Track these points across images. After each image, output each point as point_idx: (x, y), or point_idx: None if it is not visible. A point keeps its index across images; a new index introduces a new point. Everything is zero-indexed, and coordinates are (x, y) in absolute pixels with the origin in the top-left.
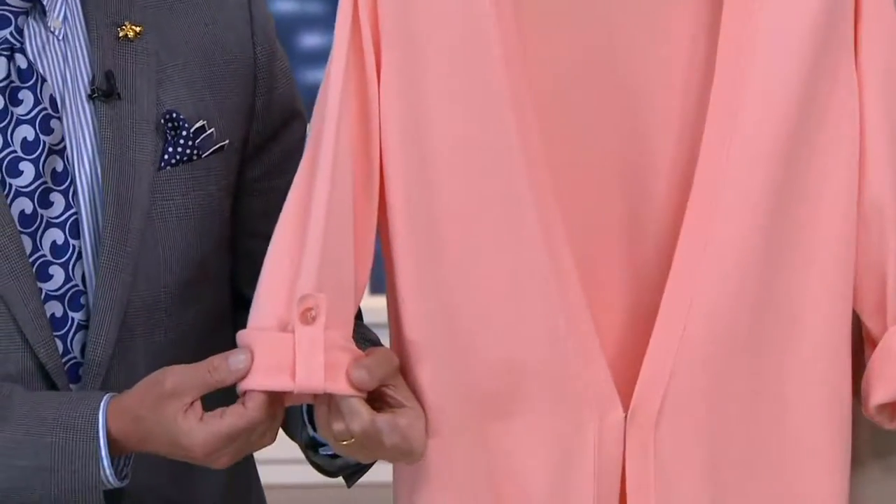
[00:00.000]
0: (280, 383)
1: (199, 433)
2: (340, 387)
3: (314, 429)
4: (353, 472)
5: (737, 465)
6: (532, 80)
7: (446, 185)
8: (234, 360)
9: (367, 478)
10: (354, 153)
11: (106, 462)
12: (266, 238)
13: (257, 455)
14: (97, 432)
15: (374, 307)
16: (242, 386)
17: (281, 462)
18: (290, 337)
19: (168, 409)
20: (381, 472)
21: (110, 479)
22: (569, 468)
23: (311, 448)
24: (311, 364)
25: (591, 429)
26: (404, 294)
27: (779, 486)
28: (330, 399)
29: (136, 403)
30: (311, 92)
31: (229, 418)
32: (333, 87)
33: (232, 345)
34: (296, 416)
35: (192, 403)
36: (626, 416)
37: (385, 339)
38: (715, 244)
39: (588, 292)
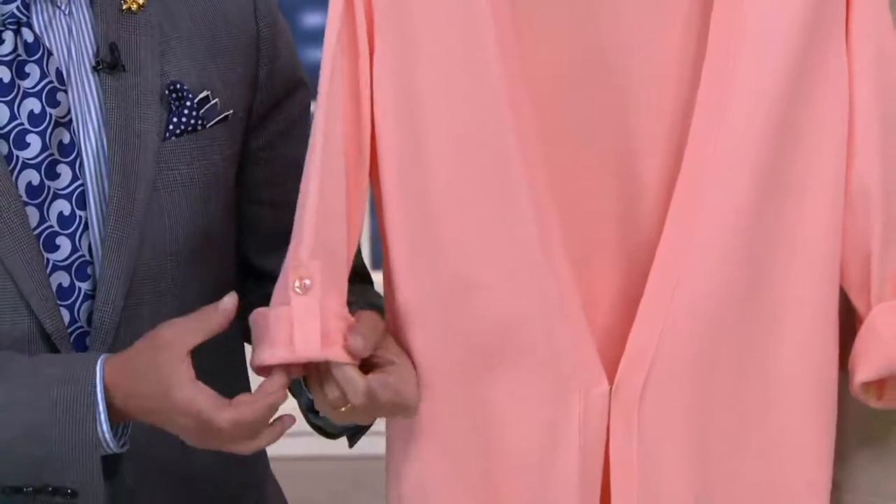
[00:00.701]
0: (281, 355)
1: (187, 390)
2: (336, 353)
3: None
4: (354, 433)
5: (721, 445)
6: (526, 73)
7: (440, 167)
8: (221, 304)
9: (372, 449)
10: (346, 127)
11: (103, 417)
12: (270, 205)
13: None
14: (94, 386)
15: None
16: (252, 364)
17: (286, 434)
18: (288, 309)
19: (161, 358)
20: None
21: (107, 435)
22: (555, 439)
23: (312, 411)
24: (308, 333)
25: (577, 402)
26: (398, 267)
27: (763, 469)
28: (319, 370)
29: (134, 354)
30: (314, 70)
31: (214, 403)
32: (325, 65)
33: (237, 314)
34: (295, 381)
35: (187, 356)
36: (611, 391)
37: None
38: (702, 229)
39: (578, 272)
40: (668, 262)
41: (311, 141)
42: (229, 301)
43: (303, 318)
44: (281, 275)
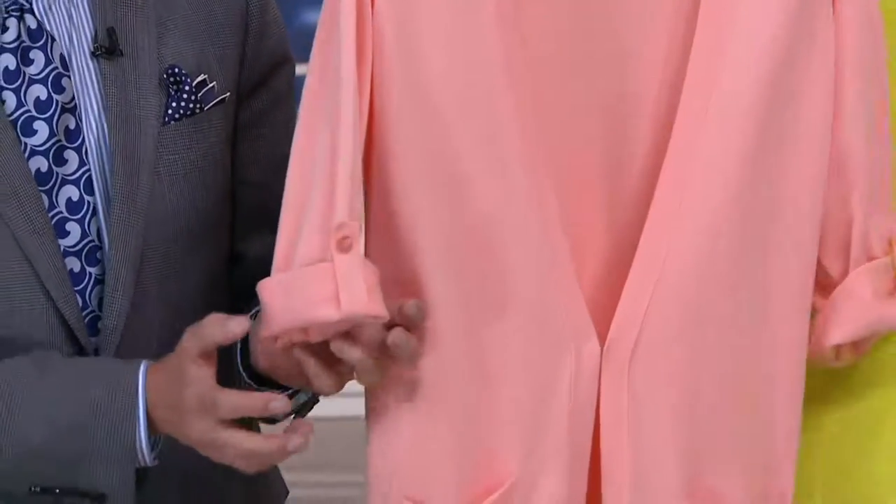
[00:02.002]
0: (325, 313)
1: (195, 376)
2: (379, 309)
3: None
4: (297, 415)
5: (710, 404)
6: (522, 27)
7: (436, 118)
8: (232, 324)
9: (339, 411)
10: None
11: (142, 424)
12: (253, 185)
13: None
14: (136, 393)
15: None
16: (284, 324)
17: None
18: (330, 266)
19: (178, 361)
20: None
21: (144, 444)
22: (546, 399)
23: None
24: (354, 289)
25: (568, 362)
26: (402, 224)
27: (750, 426)
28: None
29: (165, 361)
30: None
31: (213, 384)
32: (345, 19)
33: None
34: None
35: (198, 357)
36: (602, 351)
37: None
38: (693, 188)
39: (570, 231)
40: (659, 225)
41: (338, 101)
42: (239, 326)
43: (347, 275)
44: (304, 238)
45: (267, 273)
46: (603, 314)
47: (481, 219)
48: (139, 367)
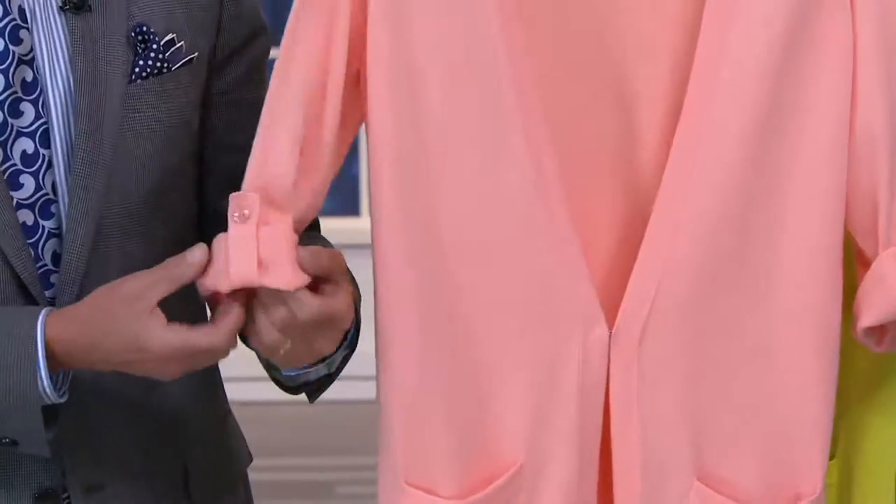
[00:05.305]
0: (219, 283)
1: (161, 334)
2: (272, 280)
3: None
4: (314, 390)
5: (720, 384)
6: (522, 6)
7: (435, 110)
8: (190, 255)
9: (325, 395)
10: (315, 72)
11: (43, 372)
12: (230, 150)
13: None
14: (35, 340)
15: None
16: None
17: (246, 379)
18: (225, 236)
19: (131, 310)
20: (343, 390)
21: (47, 389)
22: (553, 382)
23: (273, 367)
24: (243, 260)
25: (576, 345)
26: (389, 213)
27: (761, 405)
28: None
29: (88, 311)
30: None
31: (197, 334)
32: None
33: None
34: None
35: (156, 307)
36: (610, 334)
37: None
38: (702, 167)
39: (576, 213)
40: (667, 208)
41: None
42: (199, 253)
43: (238, 245)
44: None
45: None
46: (613, 293)
47: (484, 203)
48: (38, 317)
